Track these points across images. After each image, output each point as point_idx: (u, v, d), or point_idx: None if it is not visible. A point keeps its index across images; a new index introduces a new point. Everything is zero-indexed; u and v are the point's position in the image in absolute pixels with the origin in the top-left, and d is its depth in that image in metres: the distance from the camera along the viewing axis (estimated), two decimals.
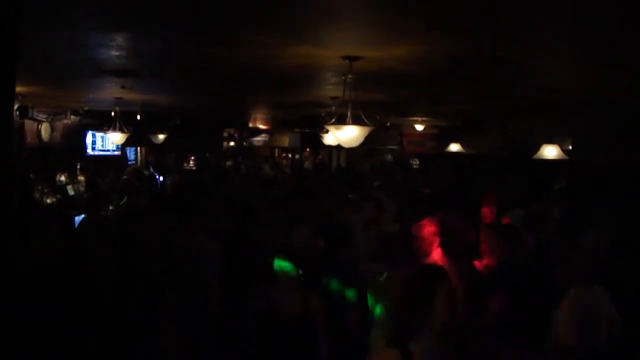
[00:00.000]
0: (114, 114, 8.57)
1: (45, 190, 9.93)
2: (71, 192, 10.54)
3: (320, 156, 18.08)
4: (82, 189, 11.05)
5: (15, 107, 7.75)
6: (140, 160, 14.89)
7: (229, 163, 15.52)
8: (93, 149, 12.31)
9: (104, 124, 9.24)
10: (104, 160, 12.67)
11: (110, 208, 8.09)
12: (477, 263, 4.95)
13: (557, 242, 5.19)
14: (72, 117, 11.37)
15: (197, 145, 14.89)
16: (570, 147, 9.32)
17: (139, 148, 14.75)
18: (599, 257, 4.23)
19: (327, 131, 9.25)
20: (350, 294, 4.11)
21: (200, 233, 4.92)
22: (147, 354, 3.74)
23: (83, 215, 7.07)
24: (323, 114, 5.70)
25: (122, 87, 6.88)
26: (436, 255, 4.28)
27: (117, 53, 4.73)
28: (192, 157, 15.82)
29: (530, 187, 8.14)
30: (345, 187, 8.49)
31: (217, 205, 6.33)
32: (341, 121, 5.28)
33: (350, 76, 4.98)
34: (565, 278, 3.70)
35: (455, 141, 12.34)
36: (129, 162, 14.26)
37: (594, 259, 3.87)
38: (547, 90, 6.48)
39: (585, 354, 3.48)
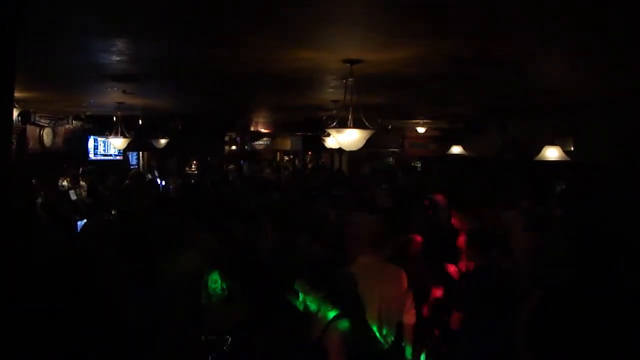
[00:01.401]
0: (116, 118, 8.60)
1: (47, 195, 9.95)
2: (73, 197, 10.57)
3: (322, 160, 18.07)
4: (84, 193, 11.09)
5: (17, 112, 7.77)
6: (143, 165, 14.92)
7: (231, 167, 15.53)
8: (95, 153, 12.35)
9: (105, 129, 9.26)
10: (107, 165, 12.70)
11: (113, 213, 8.10)
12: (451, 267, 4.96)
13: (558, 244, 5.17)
14: (74, 122, 11.42)
15: (199, 149, 14.91)
16: (572, 148, 9.31)
17: (141, 152, 14.78)
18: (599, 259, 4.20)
19: (328, 134, 9.25)
20: None
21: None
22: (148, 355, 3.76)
23: (85, 220, 7.10)
24: (324, 117, 5.70)
25: (124, 91, 6.90)
26: None
27: (118, 58, 4.74)
28: (194, 161, 15.84)
29: (532, 188, 8.11)
30: (346, 190, 8.47)
31: (217, 210, 6.33)
32: (342, 124, 5.28)
33: (350, 79, 4.99)
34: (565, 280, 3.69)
35: (457, 143, 12.34)
36: (131, 167, 14.30)
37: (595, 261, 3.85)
38: (547, 91, 6.48)
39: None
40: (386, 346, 3.74)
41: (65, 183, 11.13)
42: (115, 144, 9.47)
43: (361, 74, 4.94)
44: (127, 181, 10.68)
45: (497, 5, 3.12)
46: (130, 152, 14.20)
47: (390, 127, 13.31)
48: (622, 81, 6.01)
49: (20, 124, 9.52)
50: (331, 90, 6.67)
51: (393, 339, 3.78)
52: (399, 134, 15.41)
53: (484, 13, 3.27)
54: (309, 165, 18.22)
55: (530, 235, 5.34)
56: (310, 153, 18.64)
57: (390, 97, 7.71)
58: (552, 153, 7.89)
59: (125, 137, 8.66)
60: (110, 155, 12.95)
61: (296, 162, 18.64)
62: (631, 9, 3.14)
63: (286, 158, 19.29)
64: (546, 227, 5.70)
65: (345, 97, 5.22)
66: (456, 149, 12.33)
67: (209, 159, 15.60)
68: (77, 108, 10.01)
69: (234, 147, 17.12)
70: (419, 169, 15.83)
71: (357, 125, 5.21)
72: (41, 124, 10.22)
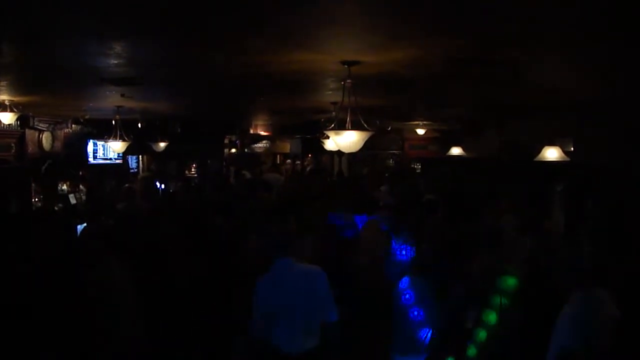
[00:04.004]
0: (115, 122, 8.59)
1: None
2: (73, 200, 10.57)
3: (321, 162, 18.05)
4: (84, 197, 11.10)
5: (16, 117, 7.78)
6: (142, 169, 14.90)
7: (232, 169, 15.52)
8: (95, 157, 12.32)
9: (105, 133, 9.25)
10: (106, 169, 12.68)
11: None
12: None
13: (557, 245, 5.17)
14: (73, 126, 11.41)
15: (198, 153, 14.89)
16: (572, 149, 9.29)
17: (140, 156, 14.76)
18: (600, 259, 4.19)
19: (327, 136, 9.25)
20: None
21: None
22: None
23: (85, 224, 7.08)
24: (322, 119, 5.68)
25: (122, 95, 6.89)
26: None
27: (115, 61, 4.73)
28: (194, 165, 15.82)
29: (531, 190, 8.09)
30: (345, 192, 8.47)
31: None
32: (341, 126, 5.27)
33: (349, 81, 4.98)
34: (567, 281, 3.67)
35: (457, 145, 12.33)
36: (131, 170, 14.28)
37: (596, 262, 3.84)
38: (546, 91, 6.47)
39: (589, 358, 3.45)
40: (307, 347, 3.80)
41: (65, 187, 11.12)
42: (115, 148, 9.47)
43: (359, 75, 4.93)
44: (127, 185, 10.65)
45: (495, 6, 3.11)
46: (130, 156, 14.19)
47: (390, 128, 13.31)
48: (622, 81, 5.99)
49: (19, 128, 9.52)
50: (330, 92, 6.66)
51: (316, 339, 3.86)
52: (399, 135, 15.41)
53: (482, 14, 3.26)
54: (307, 168, 18.21)
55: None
56: (310, 155, 18.61)
57: (389, 99, 7.70)
58: (551, 154, 7.87)
59: (124, 140, 8.65)
60: (110, 159, 12.92)
61: (296, 164, 18.61)
62: (631, 10, 3.13)
63: (288, 161, 19.27)
64: (538, 228, 5.72)
65: (343, 98, 5.21)
66: (456, 151, 12.33)
67: (208, 162, 15.57)
68: (76, 112, 10.00)
69: (233, 150, 17.10)
70: (418, 171, 15.80)
71: (356, 127, 5.20)
72: (40, 128, 10.22)
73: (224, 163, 15.95)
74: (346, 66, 4.74)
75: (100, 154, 12.47)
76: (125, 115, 8.87)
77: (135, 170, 14.60)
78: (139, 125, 10.61)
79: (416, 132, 14.14)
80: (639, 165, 7.37)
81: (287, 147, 17.65)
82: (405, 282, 4.01)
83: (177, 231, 5.46)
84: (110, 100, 7.43)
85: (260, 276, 3.87)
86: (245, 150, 17.33)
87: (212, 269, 4.76)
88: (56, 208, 9.63)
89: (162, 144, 11.86)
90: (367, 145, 5.43)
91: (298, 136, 16.31)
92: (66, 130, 11.26)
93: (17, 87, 6.44)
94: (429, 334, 3.71)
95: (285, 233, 3.92)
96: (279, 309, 3.77)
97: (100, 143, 12.14)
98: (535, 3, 3.07)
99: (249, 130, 15.62)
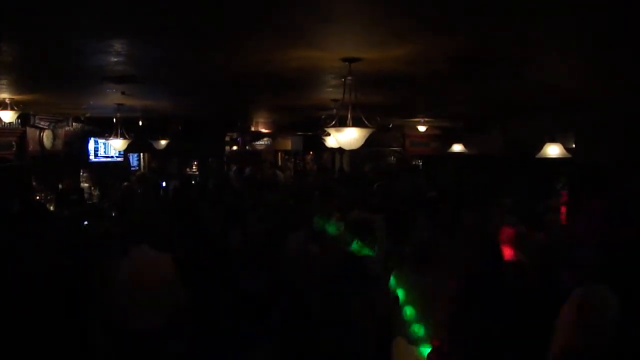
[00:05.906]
0: (116, 120, 8.58)
1: (49, 197, 9.97)
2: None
3: (322, 160, 18.04)
4: (86, 195, 11.12)
5: (17, 115, 7.77)
6: (144, 166, 14.92)
7: (234, 167, 15.53)
8: (96, 155, 12.33)
9: (105, 131, 9.25)
10: (107, 167, 12.70)
11: (113, 214, 8.11)
12: None
13: (561, 242, 5.15)
14: (74, 124, 11.41)
15: (199, 150, 14.89)
16: (574, 146, 9.28)
17: (141, 154, 14.77)
18: (604, 256, 4.18)
19: (328, 134, 9.24)
20: None
21: None
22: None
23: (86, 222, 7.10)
24: (323, 116, 5.66)
25: (123, 93, 6.88)
26: None
27: (115, 59, 4.71)
28: (195, 163, 15.82)
29: (533, 187, 8.08)
30: (347, 189, 8.47)
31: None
32: (342, 123, 5.26)
33: (349, 78, 4.97)
34: (571, 278, 3.66)
35: (458, 142, 12.32)
36: (132, 168, 14.30)
37: (600, 258, 3.82)
38: (547, 89, 6.46)
39: (591, 356, 3.43)
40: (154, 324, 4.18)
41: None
42: (115, 146, 9.46)
43: (360, 72, 4.91)
44: (126, 183, 10.68)
45: (497, 5, 3.10)
46: (131, 154, 14.20)
47: (391, 125, 13.30)
48: (623, 81, 5.98)
49: (20, 126, 9.52)
50: (331, 89, 6.64)
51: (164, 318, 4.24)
52: (400, 132, 15.40)
53: (484, 11, 3.25)
54: (307, 166, 18.22)
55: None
56: (311, 153, 18.60)
57: (390, 96, 7.68)
58: (553, 150, 7.87)
59: (125, 138, 8.64)
60: (111, 157, 12.93)
61: (296, 161, 18.60)
62: (631, 9, 3.12)
63: (286, 157, 19.26)
64: (539, 225, 5.71)
65: (344, 95, 5.20)
66: (457, 148, 12.32)
67: (210, 160, 15.58)
68: (76, 110, 10.00)
69: (234, 148, 17.10)
70: (420, 168, 15.79)
71: (357, 124, 5.19)
72: (41, 126, 10.22)
73: (225, 160, 15.95)
74: (347, 63, 4.73)
75: (101, 152, 12.48)
76: (126, 113, 8.86)
77: (137, 168, 14.62)
78: (140, 123, 10.61)
79: (417, 129, 14.12)
80: (639, 165, 7.36)
81: (288, 144, 17.63)
82: None
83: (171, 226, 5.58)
84: (111, 98, 7.42)
85: (116, 260, 4.32)
86: (247, 147, 17.32)
87: (200, 259, 5.06)
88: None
89: (163, 142, 11.87)
90: (367, 142, 5.42)
91: (299, 133, 16.30)
92: (67, 128, 11.27)
93: (17, 85, 6.43)
94: None
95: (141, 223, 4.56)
96: (132, 291, 4.17)
97: (101, 141, 12.15)
98: (537, 2, 3.06)
99: (250, 128, 15.61)
